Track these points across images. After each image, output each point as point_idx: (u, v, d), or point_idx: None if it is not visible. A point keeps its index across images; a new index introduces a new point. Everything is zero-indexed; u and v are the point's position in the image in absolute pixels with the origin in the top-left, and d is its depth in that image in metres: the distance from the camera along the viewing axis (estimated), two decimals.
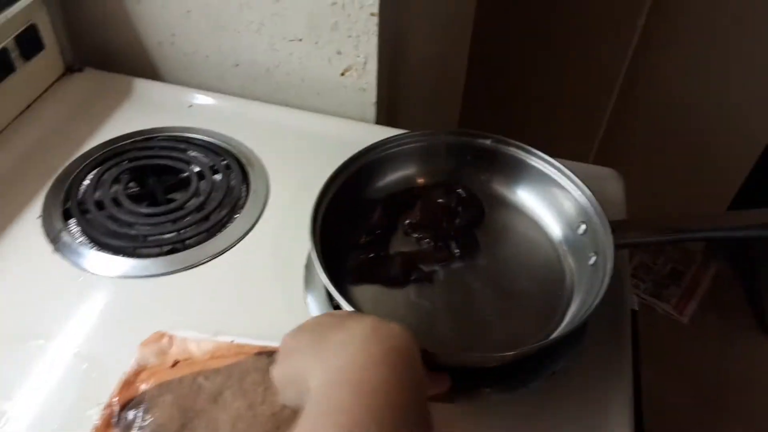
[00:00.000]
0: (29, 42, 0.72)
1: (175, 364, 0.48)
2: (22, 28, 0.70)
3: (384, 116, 0.81)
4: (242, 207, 0.65)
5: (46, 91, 0.76)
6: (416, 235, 0.61)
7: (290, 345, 0.40)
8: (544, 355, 0.52)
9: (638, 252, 1.58)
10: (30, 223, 0.62)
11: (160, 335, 0.51)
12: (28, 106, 0.74)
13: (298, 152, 0.72)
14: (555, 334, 0.47)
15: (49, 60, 0.76)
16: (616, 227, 0.54)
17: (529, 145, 0.62)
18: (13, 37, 0.69)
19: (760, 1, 1.11)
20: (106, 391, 0.47)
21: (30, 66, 0.73)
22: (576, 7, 1.17)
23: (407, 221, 0.62)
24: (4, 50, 0.68)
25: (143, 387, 0.47)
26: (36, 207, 0.64)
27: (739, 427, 1.23)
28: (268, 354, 0.48)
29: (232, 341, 0.50)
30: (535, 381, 0.51)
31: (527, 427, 0.49)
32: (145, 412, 0.44)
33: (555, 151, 0.62)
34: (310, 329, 0.41)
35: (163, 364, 0.48)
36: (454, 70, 1.21)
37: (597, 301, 0.48)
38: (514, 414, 0.49)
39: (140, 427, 0.43)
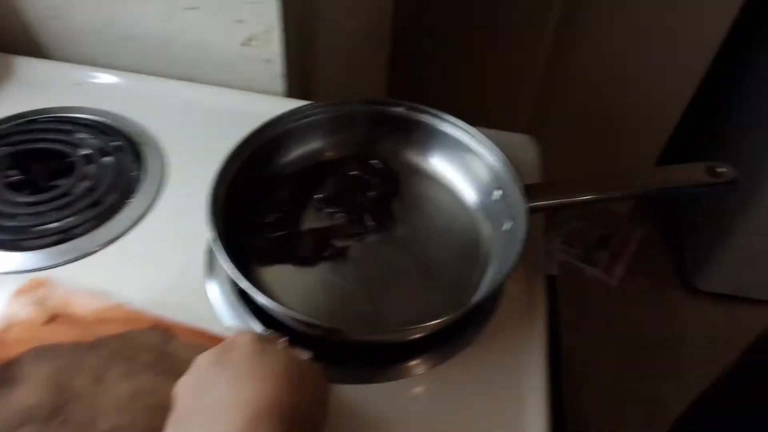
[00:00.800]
0: None
1: (53, 319, 0.42)
2: None
3: (297, 89, 0.77)
4: (136, 190, 0.60)
5: None
6: (329, 210, 0.58)
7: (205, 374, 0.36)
8: (461, 325, 0.50)
9: (570, 219, 1.61)
10: None
11: (38, 282, 0.44)
12: None
13: (199, 129, 0.67)
14: (464, 308, 0.45)
15: None
16: (530, 191, 0.53)
17: (457, 115, 0.59)
18: None
19: None
20: None
21: None
22: None
23: (318, 196, 0.58)
24: None
25: (15, 351, 0.40)
26: None
27: (666, 385, 1.28)
28: (165, 329, 0.43)
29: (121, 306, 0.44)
30: (453, 351, 0.49)
31: (443, 398, 0.47)
32: (11, 385, 0.38)
33: (485, 122, 0.60)
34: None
35: (38, 319, 0.42)
36: (377, 39, 1.17)
37: (509, 267, 0.46)
38: (434, 388, 0.47)
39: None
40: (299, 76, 0.77)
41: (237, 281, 0.46)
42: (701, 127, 1.47)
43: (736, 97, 1.34)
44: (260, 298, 0.44)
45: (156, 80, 0.72)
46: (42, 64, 0.73)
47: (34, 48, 0.75)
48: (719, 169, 0.53)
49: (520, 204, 0.52)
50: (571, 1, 1.19)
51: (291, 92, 0.75)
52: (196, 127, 0.67)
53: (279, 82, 0.73)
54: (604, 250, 1.57)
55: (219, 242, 0.47)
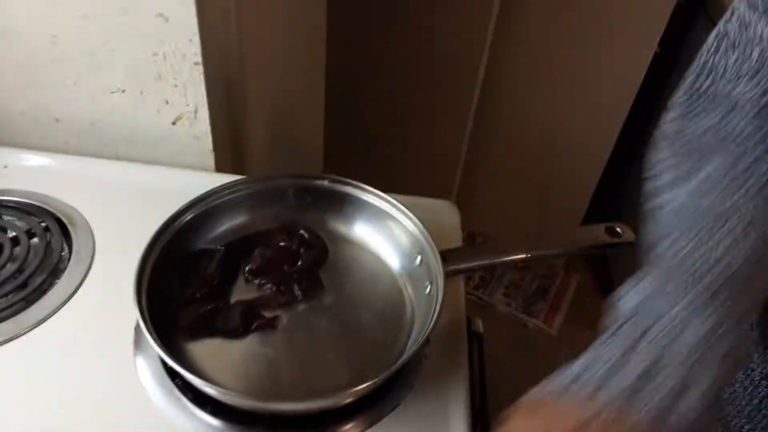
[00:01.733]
0: None
1: None
2: None
3: (229, 163, 0.79)
4: (64, 270, 0.60)
5: None
6: (257, 281, 0.60)
7: None
8: (389, 386, 0.52)
9: (508, 271, 1.67)
10: None
11: None
12: None
13: (130, 208, 0.68)
14: (389, 370, 0.47)
15: None
16: (447, 256, 0.57)
17: (391, 188, 0.63)
18: None
19: (590, 31, 1.24)
20: None
21: None
22: (420, 50, 1.24)
23: (248, 267, 0.60)
24: None
25: None
26: None
27: None
28: None
29: None
30: (384, 412, 0.51)
31: None
32: None
33: (415, 189, 0.64)
34: None
35: None
36: (308, 115, 1.22)
37: (428, 330, 0.49)
38: None
39: None
40: (230, 150, 0.80)
41: (163, 357, 0.47)
42: (623, 186, 1.58)
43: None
44: (185, 374, 0.45)
45: (86, 160, 0.73)
46: None
47: None
48: (618, 229, 0.58)
49: (436, 268, 0.55)
50: (494, 72, 1.29)
51: (222, 166, 0.77)
52: (126, 205, 0.68)
53: (209, 158, 0.76)
54: (542, 300, 1.64)
55: (144, 320, 0.48)
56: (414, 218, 0.60)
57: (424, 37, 1.24)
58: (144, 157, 0.75)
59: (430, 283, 0.56)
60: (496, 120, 1.38)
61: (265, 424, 0.50)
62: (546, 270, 1.68)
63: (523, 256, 0.57)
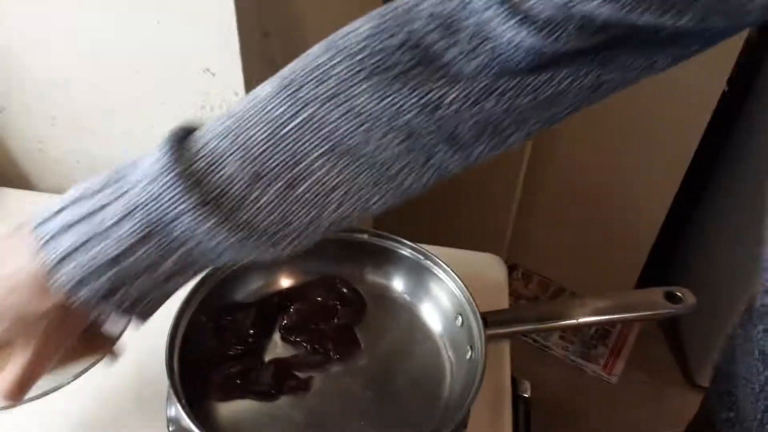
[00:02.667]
0: None
1: None
2: None
3: None
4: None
5: None
6: (293, 338, 0.58)
7: None
8: None
9: None
10: None
11: None
12: None
13: None
14: None
15: None
16: (490, 318, 0.54)
17: (440, 240, 0.61)
18: None
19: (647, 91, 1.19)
20: None
21: None
22: None
23: (283, 324, 0.59)
24: None
25: None
26: None
27: None
28: None
29: None
30: None
31: None
32: None
33: (464, 242, 0.61)
34: None
35: None
36: None
37: (468, 401, 0.46)
38: None
39: None
40: None
41: (186, 422, 0.46)
42: (679, 244, 1.49)
43: (704, 216, 1.37)
44: None
45: None
46: (29, 195, 0.76)
47: (23, 180, 0.79)
48: (678, 294, 0.54)
49: (477, 333, 0.52)
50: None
51: None
52: None
53: None
54: (602, 346, 1.55)
55: (174, 384, 0.47)
56: (455, 276, 0.57)
57: None
58: None
59: (471, 348, 0.53)
60: (550, 168, 1.33)
61: None
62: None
63: (572, 322, 0.53)
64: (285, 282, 0.62)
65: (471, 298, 0.55)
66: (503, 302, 0.63)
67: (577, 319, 0.53)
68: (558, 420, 1.33)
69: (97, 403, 0.54)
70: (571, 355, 1.51)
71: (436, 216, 1.18)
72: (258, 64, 0.67)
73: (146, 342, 0.57)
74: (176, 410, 0.52)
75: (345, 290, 0.62)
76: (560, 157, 1.31)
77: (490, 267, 0.67)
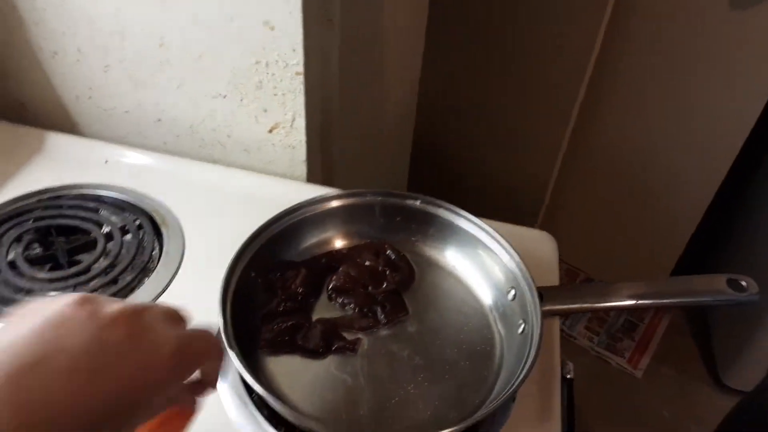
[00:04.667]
0: None
1: None
2: None
3: (318, 174, 0.78)
4: (153, 269, 0.60)
5: None
6: (341, 300, 0.57)
7: None
8: (472, 429, 0.49)
9: None
10: None
11: None
12: None
13: (221, 211, 0.68)
14: (478, 413, 0.44)
15: None
16: (545, 294, 0.53)
17: (476, 210, 0.60)
18: None
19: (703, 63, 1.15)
20: None
21: None
22: (519, 70, 1.20)
23: (331, 285, 0.58)
24: None
25: None
26: None
27: None
28: None
29: None
30: None
31: None
32: None
33: (502, 213, 0.60)
34: None
35: None
36: (397, 131, 1.21)
37: (522, 375, 0.45)
38: None
39: None
40: (320, 162, 0.79)
41: (241, 373, 0.45)
42: (720, 232, 1.46)
43: (755, 203, 1.34)
44: (266, 397, 0.44)
45: (182, 161, 0.74)
46: (74, 140, 0.76)
47: (68, 125, 0.78)
48: (743, 283, 0.52)
49: (534, 307, 0.51)
50: (594, 92, 1.22)
51: (311, 177, 0.76)
52: (217, 209, 0.68)
53: (301, 168, 0.75)
54: (628, 338, 1.53)
55: (228, 336, 0.46)
56: (511, 250, 0.56)
57: (523, 58, 1.20)
58: (237, 162, 0.76)
59: (524, 321, 0.52)
60: (592, 147, 1.31)
61: None
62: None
63: (630, 303, 0.52)
64: (335, 244, 0.62)
65: (527, 273, 0.53)
66: (554, 280, 0.62)
67: (636, 301, 0.52)
68: (579, 411, 1.32)
69: None
70: (595, 346, 1.50)
71: (471, 187, 1.17)
72: (317, 21, 0.65)
73: (197, 296, 0.58)
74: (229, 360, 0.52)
75: (393, 256, 0.61)
76: (604, 133, 1.29)
77: (541, 243, 0.66)
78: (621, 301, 0.52)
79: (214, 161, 0.76)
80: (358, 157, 0.95)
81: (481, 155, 1.32)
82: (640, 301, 0.52)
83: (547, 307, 0.51)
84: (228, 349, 0.46)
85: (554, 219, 1.39)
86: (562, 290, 0.55)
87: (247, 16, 0.63)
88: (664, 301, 0.52)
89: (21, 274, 0.58)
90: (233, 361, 0.46)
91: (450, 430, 0.42)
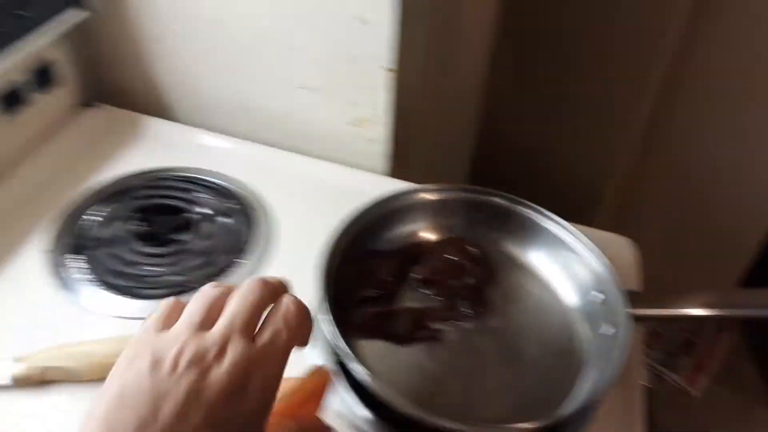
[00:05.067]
0: (46, 76, 0.72)
1: None
2: (41, 63, 0.70)
3: (396, 168, 0.80)
4: (246, 252, 0.63)
5: (59, 125, 0.76)
6: (425, 291, 0.59)
7: None
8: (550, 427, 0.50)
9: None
10: (34, 255, 0.61)
11: None
12: (40, 140, 0.73)
13: (306, 199, 0.71)
14: (566, 410, 0.45)
15: (64, 95, 0.76)
16: (633, 299, 0.53)
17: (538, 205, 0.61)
18: (32, 70, 0.69)
19: None
20: None
21: (45, 100, 0.72)
22: (592, 65, 1.19)
23: (416, 276, 0.60)
24: (20, 82, 0.68)
25: None
26: (41, 240, 0.62)
27: None
28: None
29: None
30: None
31: None
32: None
33: (563, 213, 0.61)
34: None
35: None
36: (466, 126, 1.22)
37: (613, 375, 0.46)
38: None
39: None
40: (398, 156, 0.81)
41: (340, 354, 0.48)
42: None
43: None
44: (364, 376, 0.46)
45: (268, 149, 0.77)
46: (169, 125, 0.80)
47: (164, 110, 0.83)
48: None
49: (622, 310, 0.51)
50: (667, 100, 1.20)
51: (390, 171, 0.78)
52: (303, 197, 0.71)
53: (381, 161, 0.77)
54: (687, 356, 1.49)
55: (331, 316, 0.49)
56: (599, 253, 0.56)
57: (595, 52, 1.19)
58: (319, 153, 0.78)
59: (611, 324, 0.53)
60: (663, 148, 1.29)
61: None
62: (694, 324, 1.54)
63: (718, 312, 0.52)
64: (420, 236, 0.64)
65: (616, 276, 0.54)
66: (635, 286, 0.62)
67: (727, 310, 0.51)
68: None
69: None
70: (651, 362, 1.47)
71: (534, 182, 1.17)
72: (410, 18, 0.67)
73: (288, 277, 0.61)
74: (317, 343, 0.54)
75: (476, 252, 0.62)
76: (676, 139, 1.26)
77: (622, 249, 0.66)
78: (718, 310, 0.52)
79: (297, 151, 0.79)
80: (430, 150, 0.97)
81: (547, 149, 1.31)
82: (728, 312, 0.52)
83: (637, 312, 0.51)
84: (335, 331, 0.48)
85: (620, 225, 1.37)
86: (646, 297, 0.55)
87: (343, 11, 0.65)
88: (757, 313, 0.52)
89: (128, 249, 0.62)
90: (333, 342, 0.48)
91: (538, 423, 0.44)
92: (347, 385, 0.51)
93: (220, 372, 0.30)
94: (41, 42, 0.68)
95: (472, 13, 0.97)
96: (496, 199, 0.63)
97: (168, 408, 0.29)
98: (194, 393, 0.29)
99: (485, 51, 1.14)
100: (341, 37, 0.67)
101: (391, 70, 0.68)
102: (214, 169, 0.73)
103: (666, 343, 1.51)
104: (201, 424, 0.29)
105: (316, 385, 0.41)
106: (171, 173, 0.72)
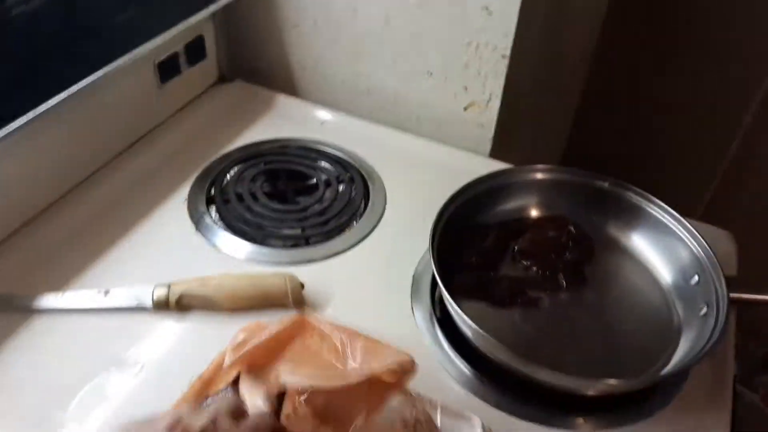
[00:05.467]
0: (195, 50, 0.82)
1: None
2: (192, 38, 0.80)
3: (498, 151, 0.84)
4: (360, 216, 0.70)
5: (200, 95, 0.86)
6: (524, 263, 0.63)
7: None
8: (639, 398, 0.52)
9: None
10: (177, 205, 0.70)
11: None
12: (184, 107, 0.83)
13: (415, 176, 0.76)
14: (665, 371, 0.48)
15: (208, 68, 0.86)
16: (731, 282, 0.55)
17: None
18: (184, 44, 0.79)
19: None
20: None
21: (192, 71, 0.82)
22: (704, 55, 1.18)
23: (516, 248, 0.64)
24: (176, 54, 0.78)
25: None
26: (183, 192, 0.72)
27: None
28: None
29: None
30: (626, 422, 0.51)
31: None
32: None
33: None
34: None
35: None
36: (564, 111, 1.23)
37: (710, 345, 0.48)
38: None
39: None
40: (502, 141, 0.85)
41: (452, 309, 0.53)
42: None
43: None
44: (468, 323, 0.51)
45: (384, 129, 0.84)
46: (295, 102, 0.88)
47: (291, 88, 0.91)
48: None
49: (720, 292, 0.53)
50: None
51: (493, 154, 0.82)
52: (413, 173, 0.77)
53: (486, 145, 0.82)
54: (766, 374, 1.43)
55: (440, 275, 0.54)
56: (699, 238, 0.58)
57: (701, 58, 1.17)
58: (428, 134, 0.84)
59: (707, 305, 0.55)
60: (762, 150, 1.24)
61: (512, 389, 0.53)
62: None
63: None
64: (523, 213, 0.68)
65: (715, 259, 0.56)
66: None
67: None
68: None
69: (350, 283, 0.63)
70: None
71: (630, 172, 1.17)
72: (529, 7, 0.71)
73: (396, 244, 0.67)
74: (420, 303, 0.60)
75: (575, 231, 0.65)
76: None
77: (720, 241, 0.67)
78: None
79: (408, 131, 0.85)
80: (531, 136, 1.00)
81: (645, 142, 1.30)
82: None
83: (735, 295, 0.53)
84: (443, 289, 0.53)
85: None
86: (744, 281, 0.56)
87: (472, 1, 0.70)
88: None
89: (259, 204, 0.70)
90: (444, 296, 0.53)
91: (630, 380, 0.47)
92: (445, 339, 0.56)
93: None
94: (196, 19, 0.78)
95: (579, 7, 0.99)
96: (600, 183, 0.66)
97: None
98: None
99: (588, 46, 1.16)
100: (466, 25, 0.72)
101: (505, 57, 0.72)
102: (335, 143, 0.80)
103: (746, 358, 1.45)
104: None
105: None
106: (298, 143, 0.80)
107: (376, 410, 0.43)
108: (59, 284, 0.60)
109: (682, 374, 0.53)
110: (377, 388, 0.43)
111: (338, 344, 0.46)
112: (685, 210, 0.65)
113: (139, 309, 0.58)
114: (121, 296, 0.58)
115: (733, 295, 0.53)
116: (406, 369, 0.43)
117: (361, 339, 0.46)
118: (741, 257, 0.66)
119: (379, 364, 0.43)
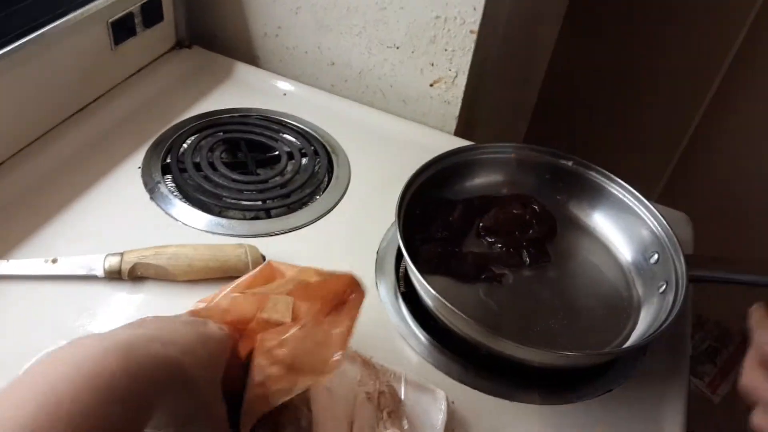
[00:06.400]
0: (151, 11, 0.78)
1: None
2: None
3: (462, 129, 0.84)
4: (324, 190, 0.68)
5: (156, 59, 0.82)
6: (489, 239, 0.63)
7: None
8: (600, 373, 0.53)
9: None
10: (130, 172, 0.67)
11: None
12: (139, 71, 0.79)
13: (380, 151, 0.75)
14: (624, 345, 0.48)
15: (164, 32, 0.82)
16: (691, 260, 0.56)
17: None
18: (140, 4, 0.75)
19: None
20: None
21: (148, 34, 0.78)
22: (663, 43, 1.21)
23: (481, 224, 0.64)
24: (130, 15, 0.74)
25: None
26: (137, 160, 0.68)
27: None
28: None
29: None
30: (586, 396, 0.52)
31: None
32: None
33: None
34: None
35: None
36: (529, 89, 1.24)
37: (669, 321, 0.49)
38: (560, 424, 0.50)
39: None
40: (467, 118, 0.84)
41: (416, 282, 0.52)
42: None
43: None
44: (432, 293, 0.50)
45: (348, 102, 0.82)
46: (256, 71, 0.85)
47: (252, 58, 0.88)
48: None
49: (680, 270, 0.54)
50: (731, 79, 1.21)
51: (458, 131, 0.82)
52: (378, 148, 0.75)
53: (451, 122, 0.81)
54: (711, 363, 1.50)
55: (408, 252, 0.53)
56: (659, 216, 0.59)
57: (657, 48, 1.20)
58: (394, 110, 0.82)
59: (666, 282, 0.56)
60: (719, 133, 1.29)
61: (475, 363, 0.53)
62: (719, 332, 1.55)
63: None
64: (484, 191, 0.67)
65: (675, 238, 0.57)
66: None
67: None
68: None
69: (311, 257, 0.61)
70: None
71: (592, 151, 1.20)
72: None
73: (359, 218, 0.65)
74: (385, 277, 0.59)
75: (539, 209, 0.66)
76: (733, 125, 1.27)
77: (678, 223, 0.69)
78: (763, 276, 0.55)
79: (372, 107, 0.83)
80: (492, 112, 1.00)
81: (607, 122, 1.33)
82: None
83: (694, 273, 0.54)
84: (410, 264, 0.52)
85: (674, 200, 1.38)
86: (704, 259, 0.58)
87: None
88: None
89: (218, 174, 0.67)
90: (409, 270, 0.52)
91: (593, 351, 0.47)
92: (409, 313, 0.56)
93: None
94: None
95: None
96: (564, 162, 0.66)
97: None
98: None
99: (555, 25, 1.16)
100: None
101: (473, 32, 0.71)
102: (298, 115, 0.78)
103: (692, 349, 1.52)
104: None
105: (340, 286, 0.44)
106: (258, 113, 0.77)
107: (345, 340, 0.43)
108: (4, 250, 0.56)
109: (641, 349, 0.55)
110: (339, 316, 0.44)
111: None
112: (642, 192, 0.66)
113: (90, 278, 0.55)
114: (71, 264, 0.55)
115: (691, 272, 0.54)
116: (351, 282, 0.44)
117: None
118: (696, 239, 0.68)
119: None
